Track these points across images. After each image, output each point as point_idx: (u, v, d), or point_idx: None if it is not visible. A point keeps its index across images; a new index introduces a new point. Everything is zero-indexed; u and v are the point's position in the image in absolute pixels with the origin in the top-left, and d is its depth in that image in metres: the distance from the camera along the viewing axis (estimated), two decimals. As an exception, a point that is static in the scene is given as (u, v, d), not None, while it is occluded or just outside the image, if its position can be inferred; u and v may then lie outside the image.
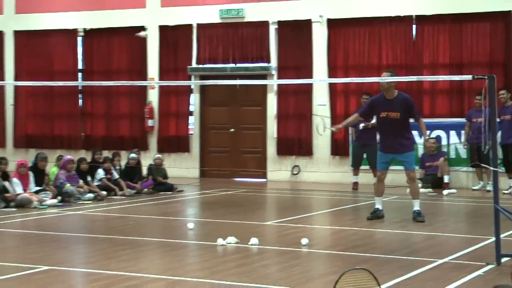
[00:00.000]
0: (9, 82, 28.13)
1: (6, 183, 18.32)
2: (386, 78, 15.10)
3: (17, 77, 27.99)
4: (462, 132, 21.43)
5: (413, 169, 15.55)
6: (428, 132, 18.18)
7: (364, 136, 21.77)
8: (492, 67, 21.46)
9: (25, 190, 18.25)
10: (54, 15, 27.57)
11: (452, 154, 21.64)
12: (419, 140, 18.84)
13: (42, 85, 26.79)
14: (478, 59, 22.22)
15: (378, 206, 15.35)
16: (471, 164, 21.57)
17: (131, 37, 26.47)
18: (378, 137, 21.86)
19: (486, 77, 12.13)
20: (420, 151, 21.18)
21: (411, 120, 15.30)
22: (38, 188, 18.70)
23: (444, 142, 21.54)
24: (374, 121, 21.60)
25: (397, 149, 15.03)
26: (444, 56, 22.61)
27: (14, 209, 17.47)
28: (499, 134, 18.63)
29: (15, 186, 18.24)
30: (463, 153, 21.54)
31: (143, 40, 26.24)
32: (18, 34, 28.23)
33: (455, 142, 21.59)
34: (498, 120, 15.65)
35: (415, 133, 16.39)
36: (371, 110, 15.42)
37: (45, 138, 27.56)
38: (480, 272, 10.25)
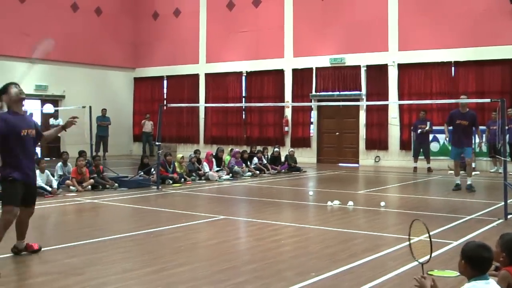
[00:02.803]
0: (206, 104, 28.58)
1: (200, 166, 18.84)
2: (463, 100, 15.49)
3: (206, 101, 28.49)
4: (484, 135, 20.94)
5: (470, 158, 15.45)
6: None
7: (421, 137, 21.57)
8: (503, 94, 20.75)
9: (210, 169, 18.68)
10: (228, 63, 27.88)
11: (477, 149, 21.12)
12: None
13: (221, 106, 27.34)
14: (494, 88, 21.56)
15: (458, 181, 15.17)
16: (490, 155, 21.09)
17: (274, 74, 26.67)
18: (430, 137, 21.83)
19: (499, 100, 11.99)
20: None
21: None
22: (218, 168, 19.06)
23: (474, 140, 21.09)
24: (428, 127, 21.37)
25: (463, 145, 14.98)
26: (472, 87, 22.02)
27: (204, 181, 17.87)
28: (507, 136, 18.19)
29: (205, 167, 18.65)
30: (484, 148, 20.97)
31: (282, 76, 26.39)
32: (207, 75, 28.64)
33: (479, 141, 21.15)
34: (506, 127, 15.26)
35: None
36: (451, 119, 15.25)
37: (222, 138, 27.89)
38: (494, 224, 10.23)
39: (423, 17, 23.16)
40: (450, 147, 15.34)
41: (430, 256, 4.54)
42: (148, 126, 28.53)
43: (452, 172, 17.21)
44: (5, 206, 7.19)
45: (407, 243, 6.28)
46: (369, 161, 24.44)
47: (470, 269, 4.22)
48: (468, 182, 15.14)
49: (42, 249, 7.84)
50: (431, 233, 4.80)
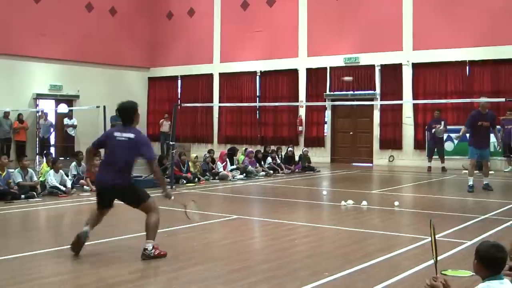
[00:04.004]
0: (221, 104, 28.68)
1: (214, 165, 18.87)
2: (483, 99, 15.56)
3: (221, 101, 28.51)
4: (498, 134, 20.82)
5: (488, 160, 15.33)
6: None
7: (435, 136, 21.51)
8: (518, 93, 20.80)
9: (224, 169, 18.73)
10: (243, 63, 27.93)
11: (492, 148, 21.00)
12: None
13: (235, 106, 27.41)
14: (509, 88, 21.42)
15: (471, 183, 14.83)
16: (504, 155, 20.99)
17: (288, 74, 26.67)
18: (445, 137, 21.73)
19: (514, 99, 11.96)
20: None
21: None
22: (232, 167, 19.12)
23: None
24: (442, 127, 21.30)
25: (483, 146, 14.88)
26: (487, 86, 21.97)
27: (217, 181, 17.93)
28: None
29: (219, 167, 18.71)
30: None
31: (296, 75, 26.42)
32: (221, 75, 28.73)
33: (493, 141, 20.86)
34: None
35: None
36: (473, 120, 14.98)
37: (236, 138, 27.88)
38: (508, 224, 10.19)
39: (438, 16, 23.09)
40: (469, 147, 15.20)
41: (436, 260, 4.53)
42: (166, 126, 28.59)
43: (467, 171, 17.14)
44: (148, 201, 7.83)
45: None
46: (383, 161, 24.39)
47: (484, 269, 4.23)
48: (485, 182, 15.04)
49: (57, 248, 7.91)
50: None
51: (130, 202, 7.89)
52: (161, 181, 8.34)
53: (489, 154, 15.36)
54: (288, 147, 22.25)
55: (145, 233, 7.60)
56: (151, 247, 7.46)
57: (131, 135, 7.71)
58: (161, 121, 28.85)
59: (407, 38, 23.78)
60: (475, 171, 15.92)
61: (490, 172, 19.59)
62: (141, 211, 7.80)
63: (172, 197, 8.11)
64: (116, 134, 7.77)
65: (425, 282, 4.37)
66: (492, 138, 17.00)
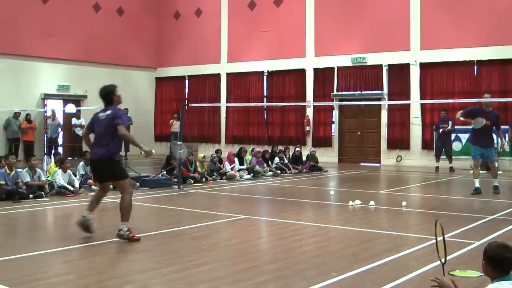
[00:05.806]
0: (228, 104, 28.66)
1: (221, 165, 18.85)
2: (487, 99, 14.66)
3: (228, 101, 28.49)
4: (506, 134, 20.67)
5: (493, 160, 14.82)
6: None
7: (443, 136, 21.42)
8: (527, 93, 20.68)
9: (232, 169, 18.71)
10: (250, 63, 27.90)
11: (500, 150, 20.90)
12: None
13: (242, 105, 27.41)
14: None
15: (477, 185, 14.32)
16: (513, 155, 20.95)
17: (296, 74, 26.66)
18: (453, 137, 21.65)
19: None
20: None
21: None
22: (239, 167, 19.10)
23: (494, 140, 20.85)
24: (450, 127, 21.22)
25: (484, 145, 14.31)
26: (495, 86, 21.82)
27: (225, 181, 17.89)
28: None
29: (226, 167, 18.69)
30: (507, 148, 20.68)
31: (304, 75, 26.36)
32: (229, 75, 28.68)
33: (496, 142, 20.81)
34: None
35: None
36: (472, 113, 14.47)
37: (243, 138, 27.87)
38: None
39: (445, 16, 23.01)
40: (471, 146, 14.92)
41: (445, 259, 4.50)
42: (176, 126, 28.55)
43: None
44: (127, 180, 8.87)
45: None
46: (391, 161, 24.33)
47: (492, 270, 4.19)
48: (494, 184, 14.54)
49: (63, 248, 7.90)
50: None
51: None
52: (135, 143, 8.82)
53: (493, 154, 14.79)
54: (296, 147, 22.19)
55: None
56: (126, 228, 8.42)
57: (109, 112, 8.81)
58: (171, 121, 28.83)
59: (414, 38, 23.71)
60: (483, 171, 15.72)
61: (498, 172, 19.53)
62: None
63: (153, 151, 8.96)
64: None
65: (431, 283, 4.34)
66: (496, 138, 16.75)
